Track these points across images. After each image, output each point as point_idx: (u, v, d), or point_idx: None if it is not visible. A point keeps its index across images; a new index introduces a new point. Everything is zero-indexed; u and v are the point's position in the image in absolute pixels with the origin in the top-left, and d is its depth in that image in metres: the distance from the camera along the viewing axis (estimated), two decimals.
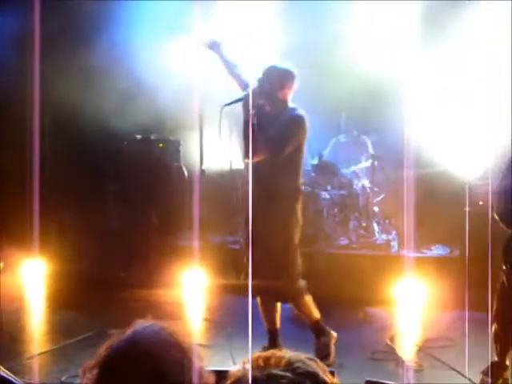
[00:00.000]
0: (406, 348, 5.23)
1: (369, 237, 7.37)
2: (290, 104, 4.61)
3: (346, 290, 6.27)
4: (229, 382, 1.43)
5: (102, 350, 1.53)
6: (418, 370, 4.74)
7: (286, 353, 1.44)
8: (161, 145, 7.86)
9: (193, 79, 6.26)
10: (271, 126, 4.39)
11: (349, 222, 7.46)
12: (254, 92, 4.42)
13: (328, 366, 1.52)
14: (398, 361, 4.91)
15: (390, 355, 5.02)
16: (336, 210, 7.49)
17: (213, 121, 4.79)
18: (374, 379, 2.82)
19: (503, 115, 6.04)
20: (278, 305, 4.80)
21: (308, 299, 4.75)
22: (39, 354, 4.99)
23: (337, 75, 6.99)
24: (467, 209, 6.05)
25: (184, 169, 7.81)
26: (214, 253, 6.94)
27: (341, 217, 7.48)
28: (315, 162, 7.71)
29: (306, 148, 4.70)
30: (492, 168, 4.97)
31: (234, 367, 1.46)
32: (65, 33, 7.39)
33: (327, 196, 7.46)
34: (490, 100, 6.31)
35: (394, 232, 7.44)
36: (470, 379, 4.39)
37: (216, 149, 5.33)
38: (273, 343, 4.69)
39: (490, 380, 4.21)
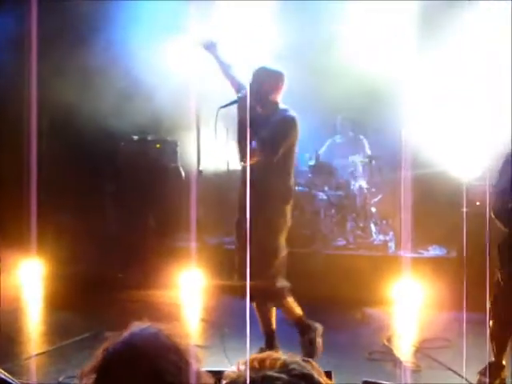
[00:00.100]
0: (404, 348, 5.24)
1: (366, 237, 7.37)
2: (281, 105, 4.61)
3: (344, 291, 6.27)
4: (224, 383, 1.42)
5: (99, 353, 1.52)
6: (416, 371, 4.74)
7: (282, 355, 1.44)
8: (158, 145, 7.85)
9: (190, 79, 6.26)
10: (263, 127, 4.39)
11: (346, 223, 7.46)
12: (246, 94, 4.43)
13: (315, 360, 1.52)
14: (396, 361, 4.91)
15: (387, 355, 5.02)
16: (333, 210, 7.50)
17: (210, 121, 4.79)
18: (372, 379, 2.83)
19: (501, 115, 6.05)
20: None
21: (290, 299, 4.74)
22: (37, 355, 4.99)
23: (333, 75, 6.98)
24: (464, 209, 6.06)
25: (181, 169, 7.81)
26: (211, 254, 6.93)
27: (338, 217, 7.48)
28: (312, 162, 7.71)
29: (297, 149, 4.70)
30: (489, 169, 4.99)
31: (229, 368, 1.46)
32: (62, 33, 7.39)
33: (324, 197, 7.47)
34: (488, 100, 6.32)
35: (391, 233, 7.44)
36: (467, 379, 4.40)
37: (213, 149, 5.33)
38: (269, 344, 4.69)
39: (487, 380, 4.22)
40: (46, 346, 5.20)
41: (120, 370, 1.47)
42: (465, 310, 4.86)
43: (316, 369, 1.44)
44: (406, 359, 4.95)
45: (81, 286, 6.54)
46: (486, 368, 4.28)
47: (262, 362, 1.41)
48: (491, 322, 4.25)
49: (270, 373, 1.37)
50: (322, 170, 7.64)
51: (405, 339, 5.49)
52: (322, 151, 7.94)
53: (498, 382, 4.28)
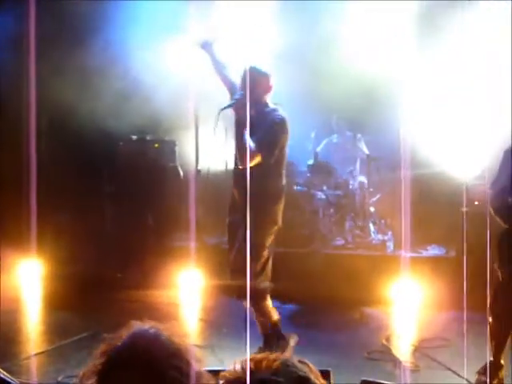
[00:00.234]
0: (402, 348, 5.24)
1: (365, 237, 7.38)
2: (270, 105, 4.61)
3: (342, 290, 6.27)
4: (220, 383, 1.42)
5: (98, 355, 1.51)
6: (414, 370, 4.75)
7: (278, 356, 1.43)
8: (156, 145, 7.85)
9: (188, 80, 6.26)
10: (255, 128, 4.39)
11: (345, 223, 7.46)
12: (243, 96, 4.43)
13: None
14: (395, 361, 4.91)
15: (386, 355, 5.02)
16: (332, 210, 7.50)
17: (208, 121, 4.79)
18: (370, 379, 2.83)
19: (500, 115, 6.05)
20: (270, 306, 4.79)
21: (268, 303, 4.68)
22: (36, 355, 4.99)
23: (332, 75, 6.99)
24: (464, 209, 6.06)
25: (180, 169, 7.81)
26: (210, 254, 6.93)
27: (337, 217, 7.49)
28: (310, 162, 7.72)
29: (287, 149, 4.70)
30: (488, 168, 4.99)
31: (227, 368, 1.46)
32: (61, 33, 7.39)
33: (323, 196, 7.47)
34: (487, 100, 6.32)
35: (389, 232, 7.44)
36: (466, 379, 4.40)
37: (212, 149, 5.34)
38: (268, 344, 4.69)
39: (486, 379, 4.22)
40: (45, 346, 5.20)
41: (121, 373, 1.46)
42: (464, 309, 4.86)
43: (313, 371, 1.44)
44: (404, 359, 4.95)
45: (79, 285, 6.54)
46: (484, 367, 4.28)
47: (258, 363, 1.40)
48: (491, 320, 4.26)
49: (267, 375, 1.36)
50: (321, 169, 7.64)
51: (404, 339, 5.49)
52: (320, 151, 7.93)
53: (496, 381, 4.29)
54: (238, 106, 4.40)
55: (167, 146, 7.87)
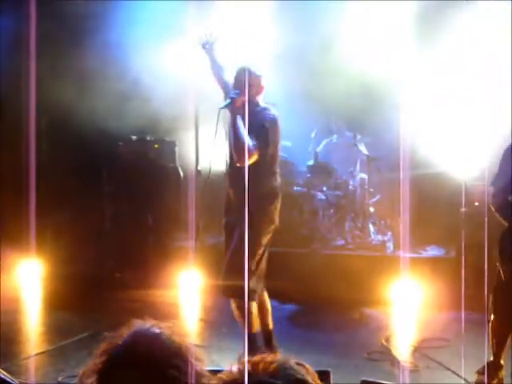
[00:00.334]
0: (402, 348, 5.24)
1: (364, 237, 7.38)
2: (262, 104, 4.61)
3: (342, 291, 6.27)
4: None
5: (98, 354, 1.51)
6: (414, 370, 4.75)
7: (275, 357, 1.42)
8: (156, 145, 7.85)
9: (188, 80, 6.26)
10: (249, 127, 4.39)
11: (344, 223, 7.46)
12: (240, 95, 4.45)
13: None
14: (394, 361, 4.92)
15: (385, 355, 5.03)
16: (332, 210, 7.50)
17: (208, 121, 4.80)
18: (370, 379, 2.83)
19: (499, 115, 6.06)
20: (269, 306, 4.79)
21: (255, 306, 4.61)
22: (36, 355, 4.99)
23: (332, 76, 6.99)
24: (463, 209, 6.07)
25: (180, 169, 7.81)
26: (210, 254, 6.93)
27: (336, 217, 7.49)
28: (310, 162, 7.72)
29: (280, 148, 4.71)
30: (487, 169, 4.99)
31: (225, 368, 1.46)
32: (60, 33, 7.38)
33: (323, 197, 7.48)
34: (486, 100, 6.32)
35: (389, 233, 7.45)
36: (465, 379, 4.41)
37: (212, 149, 5.33)
38: (268, 344, 4.69)
39: (485, 379, 4.22)
40: (45, 346, 5.20)
41: (121, 372, 1.46)
42: (463, 309, 4.87)
43: (310, 373, 1.43)
44: (404, 359, 4.95)
45: (79, 285, 6.55)
46: (484, 367, 4.29)
47: (255, 365, 1.39)
48: (492, 318, 4.26)
49: (264, 378, 1.36)
50: (321, 170, 7.65)
51: (403, 339, 5.50)
52: (320, 152, 7.93)
53: (495, 381, 4.29)
54: (234, 104, 4.42)
55: (167, 146, 7.87)
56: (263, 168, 4.50)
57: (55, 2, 7.08)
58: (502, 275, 4.15)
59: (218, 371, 1.48)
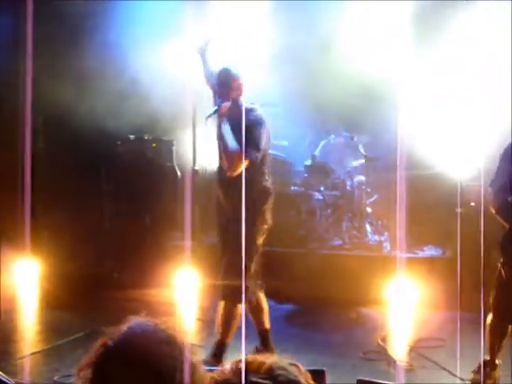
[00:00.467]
0: (398, 348, 5.25)
1: (361, 237, 7.38)
2: (246, 104, 4.57)
3: (339, 291, 6.28)
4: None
5: (95, 348, 1.52)
6: (410, 370, 4.76)
7: (268, 358, 1.42)
8: (154, 145, 7.85)
9: (186, 79, 6.26)
10: (234, 130, 4.39)
11: (341, 223, 7.47)
12: (219, 102, 4.47)
13: None
14: (390, 361, 4.93)
15: (381, 355, 5.04)
16: (329, 210, 7.51)
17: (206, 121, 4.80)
18: (366, 378, 2.84)
19: (496, 115, 6.07)
20: (266, 306, 4.79)
21: (240, 307, 4.58)
22: (31, 354, 4.99)
23: (329, 76, 6.99)
24: (459, 210, 6.08)
25: (177, 169, 7.81)
26: (207, 253, 6.93)
27: (334, 217, 7.49)
28: (308, 162, 7.72)
29: (269, 148, 4.71)
30: (484, 169, 5.00)
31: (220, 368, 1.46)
32: (58, 33, 7.37)
33: (320, 197, 7.48)
34: (483, 101, 6.33)
35: (386, 233, 7.45)
36: (461, 379, 4.42)
37: (209, 149, 5.34)
38: (265, 344, 4.70)
39: (481, 379, 4.23)
40: (41, 345, 5.20)
41: (117, 364, 1.46)
42: (459, 309, 4.88)
43: (303, 373, 1.43)
44: (400, 359, 4.96)
45: (76, 285, 6.53)
46: (479, 367, 4.30)
47: (247, 365, 1.39)
48: (491, 318, 4.26)
49: (255, 378, 1.36)
50: (318, 170, 7.65)
51: (399, 339, 5.50)
52: (317, 152, 7.94)
53: (491, 381, 4.30)
54: (220, 111, 4.44)
55: (165, 145, 7.87)
56: (253, 169, 4.50)
57: (54, 1, 7.07)
58: (504, 275, 4.16)
59: (211, 370, 1.49)
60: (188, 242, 6.56)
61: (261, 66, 7.02)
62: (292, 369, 1.41)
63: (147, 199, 7.59)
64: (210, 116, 4.50)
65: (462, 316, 4.94)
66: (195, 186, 6.97)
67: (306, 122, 7.97)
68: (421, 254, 7.10)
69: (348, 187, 7.57)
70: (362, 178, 7.67)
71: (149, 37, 7.06)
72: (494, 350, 4.32)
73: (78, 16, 7.33)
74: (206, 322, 5.85)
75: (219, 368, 1.46)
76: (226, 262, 4.55)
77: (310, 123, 8.05)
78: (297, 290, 6.55)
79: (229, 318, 4.61)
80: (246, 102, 4.59)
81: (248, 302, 4.60)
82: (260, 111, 4.59)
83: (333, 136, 8.08)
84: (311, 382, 1.42)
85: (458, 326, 4.63)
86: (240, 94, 4.59)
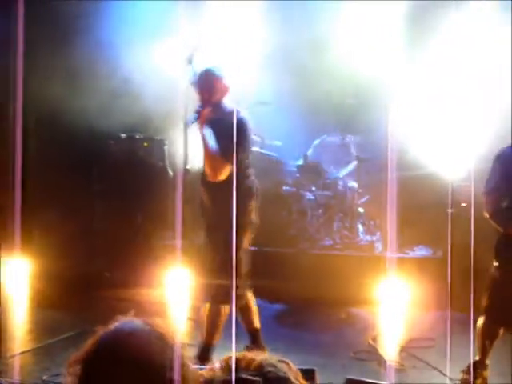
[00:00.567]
0: (389, 348, 5.26)
1: (353, 238, 7.40)
2: (228, 106, 4.54)
3: (330, 291, 6.29)
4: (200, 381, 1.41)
5: (86, 345, 1.52)
6: (400, 370, 4.77)
7: (258, 355, 1.42)
8: (146, 144, 7.84)
9: (178, 78, 6.25)
10: (218, 131, 4.37)
11: (333, 223, 7.48)
12: (200, 107, 4.44)
13: None
14: (381, 361, 4.94)
15: (372, 355, 5.05)
16: (320, 210, 7.52)
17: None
18: (356, 377, 2.84)
19: (487, 116, 6.09)
20: (254, 305, 4.79)
21: (224, 313, 4.56)
22: (21, 353, 4.97)
23: (322, 76, 7.01)
24: (450, 210, 6.10)
25: (169, 168, 7.80)
26: (198, 252, 6.92)
27: (325, 217, 7.51)
28: (300, 162, 7.73)
29: (251, 149, 4.70)
30: (475, 170, 5.02)
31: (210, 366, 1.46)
32: (50, 32, 7.35)
33: (311, 197, 7.49)
34: (475, 101, 6.35)
35: (378, 233, 7.47)
36: (451, 379, 4.43)
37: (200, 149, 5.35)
38: (255, 343, 4.70)
39: (470, 378, 4.25)
40: (31, 344, 5.19)
41: (106, 362, 1.47)
42: (449, 309, 4.90)
43: (293, 370, 1.43)
44: (391, 358, 4.97)
45: (67, 284, 6.52)
46: (469, 367, 4.32)
47: (236, 362, 1.39)
48: (483, 320, 4.27)
49: (244, 375, 1.36)
50: (310, 170, 7.66)
51: (390, 339, 5.52)
52: (309, 152, 7.95)
53: (480, 381, 4.32)
54: (201, 117, 4.40)
55: (157, 144, 7.86)
56: (237, 171, 4.48)
57: (46, 1, 7.05)
58: (498, 279, 4.17)
59: (200, 369, 1.49)
60: (179, 242, 6.55)
61: (254, 65, 7.02)
62: (282, 366, 1.41)
63: (139, 198, 7.57)
64: (190, 123, 4.47)
65: (453, 316, 4.94)
66: (187, 186, 6.96)
67: (299, 122, 7.97)
68: (411, 254, 7.12)
69: (340, 187, 7.59)
70: (353, 178, 7.69)
71: (141, 36, 7.05)
72: (484, 351, 4.34)
73: (71, 15, 7.31)
74: (198, 322, 5.85)
75: (208, 366, 1.46)
76: (211, 263, 4.53)
77: (302, 123, 8.06)
78: (287, 290, 6.56)
79: (215, 319, 4.59)
80: (229, 103, 4.54)
81: (237, 302, 4.60)
82: (243, 112, 4.54)
83: (325, 136, 8.10)
84: (301, 379, 1.43)
85: (448, 325, 4.65)
86: (224, 96, 4.53)
